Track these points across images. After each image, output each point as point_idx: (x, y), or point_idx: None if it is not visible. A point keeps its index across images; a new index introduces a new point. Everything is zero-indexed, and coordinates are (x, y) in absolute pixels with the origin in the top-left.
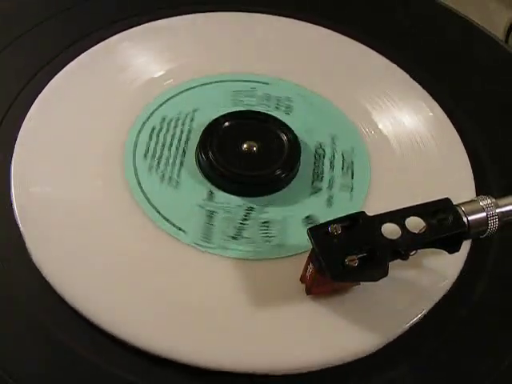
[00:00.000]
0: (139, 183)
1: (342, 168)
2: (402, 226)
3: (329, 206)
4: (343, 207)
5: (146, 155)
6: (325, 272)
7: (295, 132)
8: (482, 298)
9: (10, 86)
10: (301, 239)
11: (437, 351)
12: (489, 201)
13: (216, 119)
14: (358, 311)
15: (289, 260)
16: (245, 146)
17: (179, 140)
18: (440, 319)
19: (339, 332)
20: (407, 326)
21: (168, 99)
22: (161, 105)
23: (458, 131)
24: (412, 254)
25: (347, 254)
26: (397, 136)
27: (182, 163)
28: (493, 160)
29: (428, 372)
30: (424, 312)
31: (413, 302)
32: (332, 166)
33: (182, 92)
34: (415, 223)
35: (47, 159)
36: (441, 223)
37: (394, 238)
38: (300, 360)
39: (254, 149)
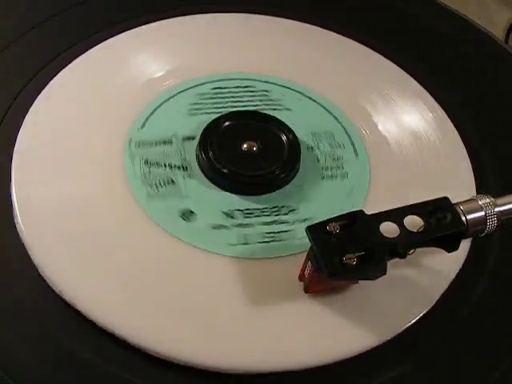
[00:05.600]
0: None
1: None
2: (401, 225)
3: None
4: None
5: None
6: (323, 270)
7: (295, 132)
8: (481, 298)
9: (10, 85)
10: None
11: (437, 351)
12: (487, 200)
13: (216, 119)
14: (358, 310)
15: (287, 259)
16: (245, 145)
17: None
18: (440, 319)
19: (338, 331)
20: (407, 325)
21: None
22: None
23: (458, 131)
24: (410, 252)
25: (345, 252)
26: (397, 136)
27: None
28: (493, 160)
29: (428, 372)
30: (423, 311)
31: (412, 301)
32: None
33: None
34: (414, 222)
35: (47, 159)
36: (439, 222)
37: (393, 236)
38: (298, 358)
39: (254, 149)
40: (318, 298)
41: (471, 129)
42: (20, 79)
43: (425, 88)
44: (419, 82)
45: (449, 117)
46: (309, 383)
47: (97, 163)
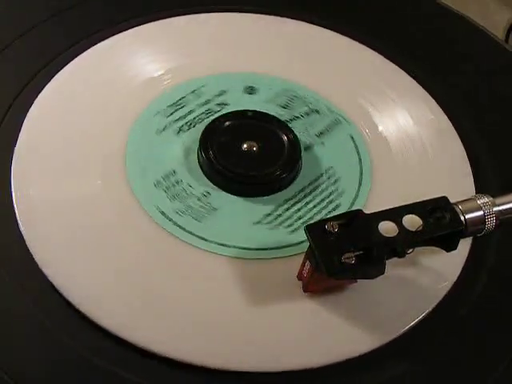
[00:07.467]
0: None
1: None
2: (399, 224)
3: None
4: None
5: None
6: (321, 269)
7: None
8: (481, 298)
9: (10, 85)
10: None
11: (437, 351)
12: (486, 199)
13: (216, 119)
14: (358, 310)
15: (287, 258)
16: (245, 145)
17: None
18: (440, 319)
19: (338, 331)
20: (407, 325)
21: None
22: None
23: (457, 131)
24: (409, 252)
25: (344, 252)
26: (397, 136)
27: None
28: (492, 160)
29: (428, 372)
30: (424, 312)
31: (413, 301)
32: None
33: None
34: (412, 221)
35: (48, 160)
36: (438, 221)
37: (391, 235)
38: (297, 358)
39: (254, 149)
40: (318, 298)
41: (471, 129)
42: (20, 79)
43: (424, 88)
44: (419, 82)
45: (449, 117)
46: (308, 383)
47: (97, 163)
